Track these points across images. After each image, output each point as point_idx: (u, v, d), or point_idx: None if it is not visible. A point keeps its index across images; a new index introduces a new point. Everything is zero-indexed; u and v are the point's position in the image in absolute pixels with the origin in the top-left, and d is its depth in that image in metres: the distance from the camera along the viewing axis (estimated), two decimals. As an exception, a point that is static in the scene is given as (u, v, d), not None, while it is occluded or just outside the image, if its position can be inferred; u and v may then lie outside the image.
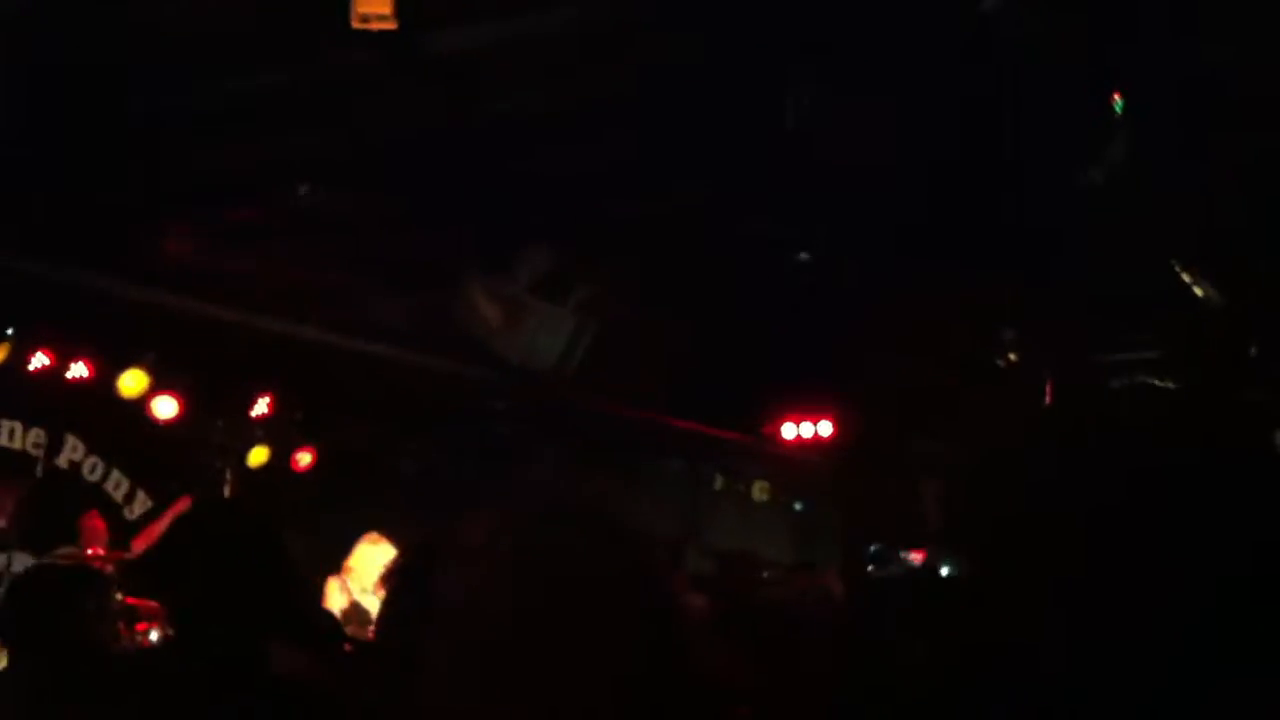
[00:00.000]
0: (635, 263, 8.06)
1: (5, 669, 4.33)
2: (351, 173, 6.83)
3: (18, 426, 10.02)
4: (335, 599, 7.40)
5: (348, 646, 5.57)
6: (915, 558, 8.10)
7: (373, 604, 7.48)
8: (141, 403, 9.53)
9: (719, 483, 10.95)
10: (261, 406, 10.20)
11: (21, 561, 7.92)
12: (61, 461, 10.28)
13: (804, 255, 7.48)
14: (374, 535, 7.71)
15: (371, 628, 7.17)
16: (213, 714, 2.73)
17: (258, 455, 10.43)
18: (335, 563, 7.69)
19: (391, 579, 3.40)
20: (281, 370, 9.78)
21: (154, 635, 7.53)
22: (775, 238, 7.51)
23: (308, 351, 9.17)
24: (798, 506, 11.41)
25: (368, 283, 8.34)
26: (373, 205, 7.25)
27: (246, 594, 2.84)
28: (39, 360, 9.02)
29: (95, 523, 9.13)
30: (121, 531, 9.38)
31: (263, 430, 10.38)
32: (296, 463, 10.64)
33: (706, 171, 6.88)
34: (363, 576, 7.60)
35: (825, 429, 10.45)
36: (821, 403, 10.41)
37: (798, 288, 8.00)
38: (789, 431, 10.42)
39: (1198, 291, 7.99)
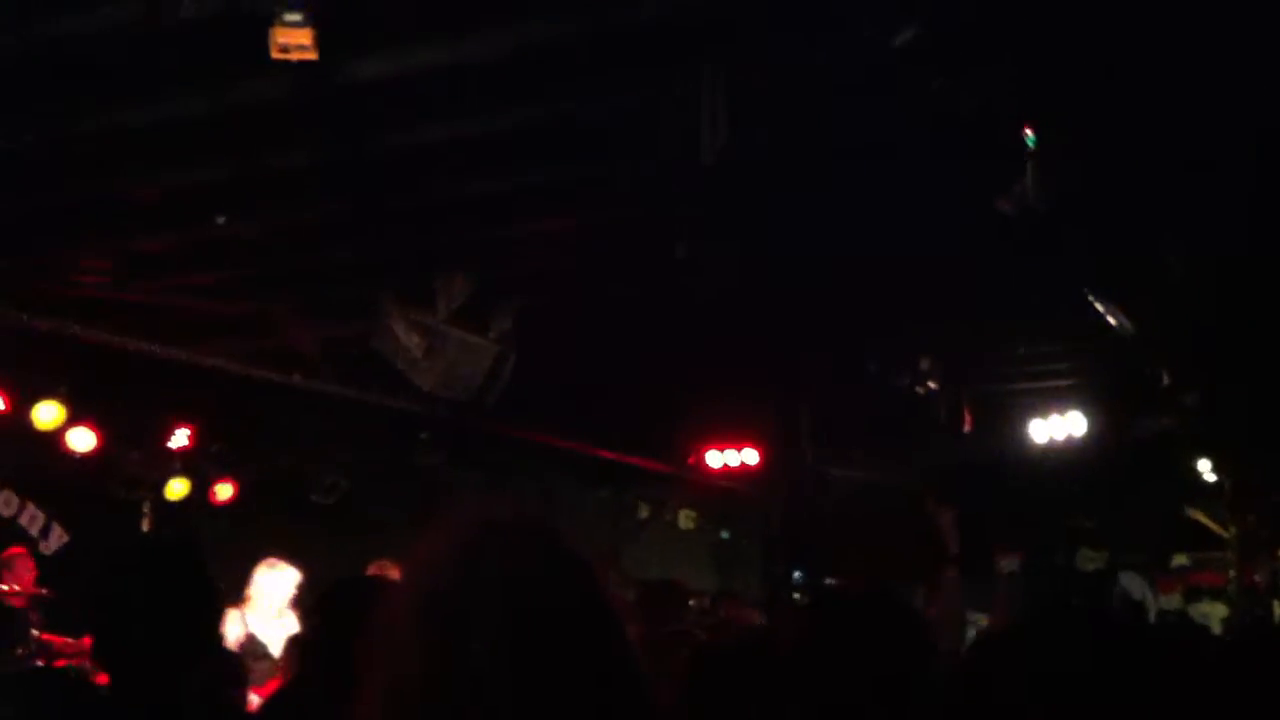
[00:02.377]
0: (555, 290, 8.07)
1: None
2: (267, 202, 6.78)
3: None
4: (232, 630, 7.20)
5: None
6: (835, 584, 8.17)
7: (270, 632, 7.37)
8: (57, 435, 9.36)
9: (644, 511, 10.95)
10: (180, 438, 10.06)
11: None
12: (-29, 497, 10.08)
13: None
14: (272, 559, 7.59)
15: (271, 659, 7.11)
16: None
17: (177, 488, 10.29)
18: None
19: (320, 608, 3.38)
20: (200, 402, 9.67)
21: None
22: (694, 261, 7.54)
23: (226, 382, 9.07)
24: (724, 535, 11.44)
25: (285, 312, 8.26)
26: (289, 234, 7.20)
27: (170, 628, 2.81)
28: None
29: (20, 559, 8.91)
30: (40, 567, 9.16)
31: (181, 463, 10.25)
32: (216, 495, 10.51)
33: (627, 196, 6.91)
34: (260, 604, 7.49)
35: (751, 457, 10.50)
36: (747, 431, 10.48)
37: (722, 313, 8.05)
38: (715, 460, 10.47)
39: (1111, 321, 8.15)
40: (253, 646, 7.20)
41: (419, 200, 6.74)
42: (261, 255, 7.44)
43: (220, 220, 6.80)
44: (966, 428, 9.67)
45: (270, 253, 7.37)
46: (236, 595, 7.49)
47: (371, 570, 7.36)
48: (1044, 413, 10.47)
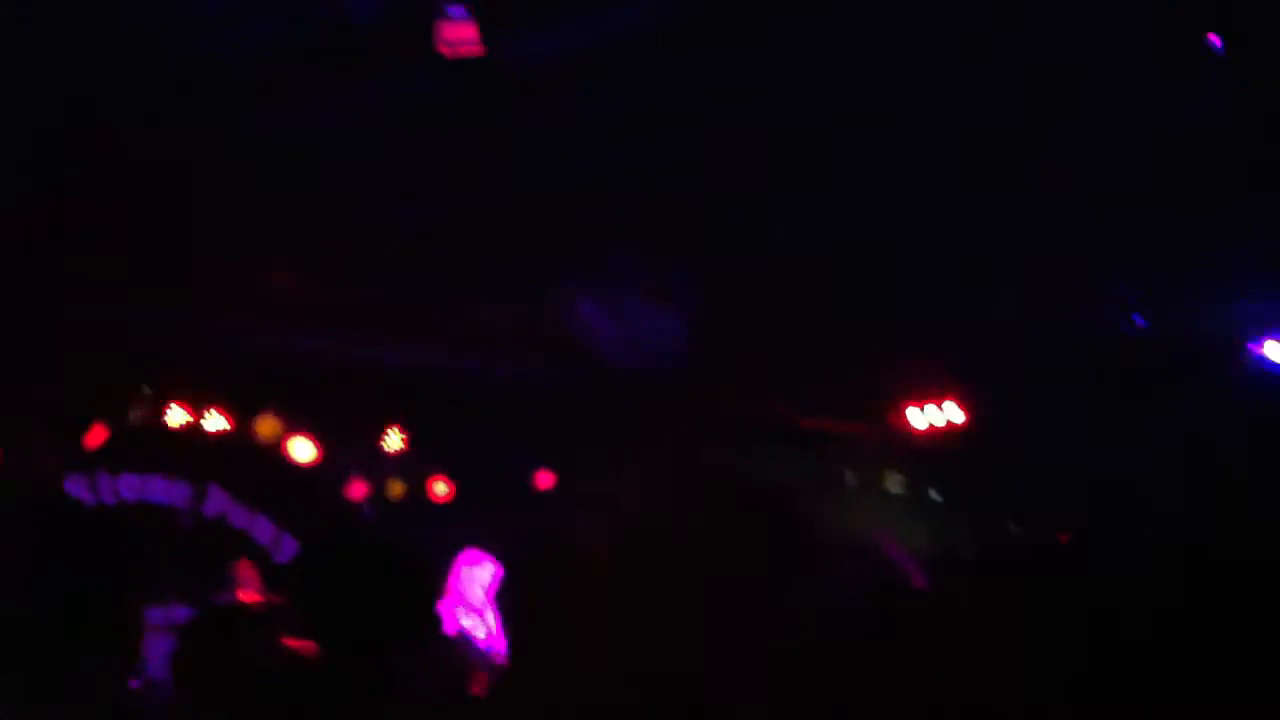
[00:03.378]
0: (743, 260, 8.04)
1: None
2: (446, 192, 6.97)
3: (163, 481, 10.41)
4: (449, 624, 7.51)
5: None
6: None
7: (471, 623, 7.62)
8: (278, 447, 9.84)
9: (851, 479, 10.77)
10: (394, 439, 10.42)
11: (181, 612, 8.17)
12: (208, 511, 10.65)
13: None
14: (473, 556, 7.81)
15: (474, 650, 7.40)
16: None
17: (395, 488, 10.68)
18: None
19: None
20: (409, 400, 9.99)
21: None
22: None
23: (432, 378, 9.36)
24: (934, 496, 11.16)
25: (475, 300, 8.45)
26: (470, 222, 7.37)
27: (397, 628, 2.93)
28: (178, 415, 9.36)
29: (247, 569, 9.38)
30: (273, 576, 9.61)
31: (397, 463, 10.62)
32: (434, 492, 10.85)
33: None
34: (466, 597, 7.70)
35: (955, 414, 10.23)
36: (947, 386, 10.20)
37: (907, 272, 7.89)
38: (917, 419, 10.23)
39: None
40: (459, 641, 7.48)
41: (586, 176, 6.81)
42: (449, 247, 7.62)
43: (400, 214, 7.03)
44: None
45: (457, 243, 7.55)
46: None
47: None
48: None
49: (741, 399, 9.52)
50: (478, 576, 7.77)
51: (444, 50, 5.57)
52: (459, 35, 5.62)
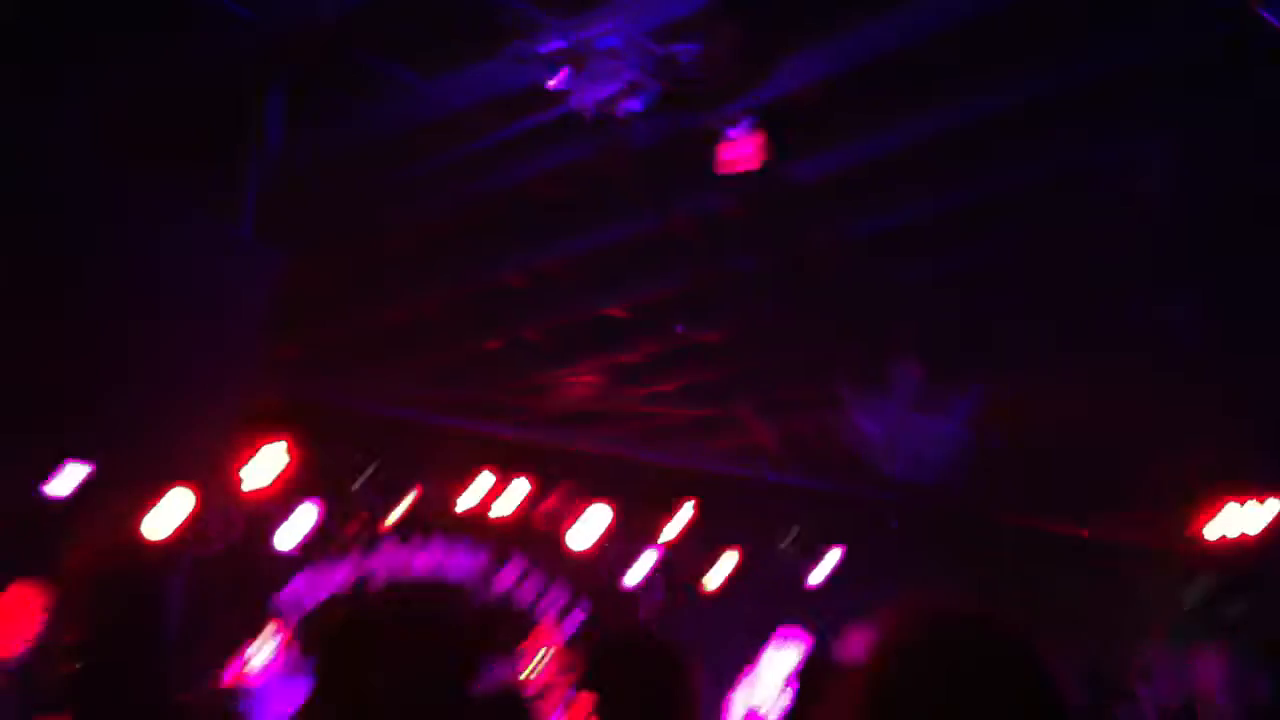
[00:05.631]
0: (1018, 365, 7.88)
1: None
2: (721, 308, 7.13)
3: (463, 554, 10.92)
4: (737, 709, 7.79)
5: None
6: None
7: (773, 703, 7.79)
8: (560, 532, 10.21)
9: (1191, 598, 10.21)
10: (671, 532, 10.64)
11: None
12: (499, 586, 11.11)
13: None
14: (780, 638, 8.04)
15: None
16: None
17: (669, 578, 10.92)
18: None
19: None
20: (684, 497, 10.21)
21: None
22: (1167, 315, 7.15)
23: (707, 480, 9.56)
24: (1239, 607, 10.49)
25: (749, 411, 8.60)
26: (748, 337, 7.51)
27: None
28: (471, 498, 9.82)
29: (542, 642, 9.74)
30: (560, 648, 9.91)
31: (671, 553, 10.83)
32: (704, 586, 11.02)
33: (1083, 263, 6.69)
34: (763, 678, 7.91)
35: (1255, 523, 9.59)
36: (1254, 490, 9.60)
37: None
38: (1212, 531, 9.65)
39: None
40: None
41: (863, 290, 6.83)
42: (721, 359, 7.80)
43: (679, 329, 7.24)
44: None
45: (729, 356, 7.72)
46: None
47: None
48: None
49: (1026, 512, 9.27)
50: (780, 660, 7.97)
51: (724, 169, 5.71)
52: (738, 154, 5.75)
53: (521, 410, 8.52)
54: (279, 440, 8.30)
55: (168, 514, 7.91)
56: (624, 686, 3.08)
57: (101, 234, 5.42)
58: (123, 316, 5.47)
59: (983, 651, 1.69)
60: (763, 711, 7.86)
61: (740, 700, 7.88)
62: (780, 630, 8.16)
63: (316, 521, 8.92)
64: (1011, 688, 1.64)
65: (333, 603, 9.15)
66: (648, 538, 10.67)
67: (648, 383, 8.17)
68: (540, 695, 8.85)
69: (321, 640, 2.44)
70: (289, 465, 8.31)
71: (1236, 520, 9.56)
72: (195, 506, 7.98)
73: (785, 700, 7.76)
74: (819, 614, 10.15)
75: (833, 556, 10.78)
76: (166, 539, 7.92)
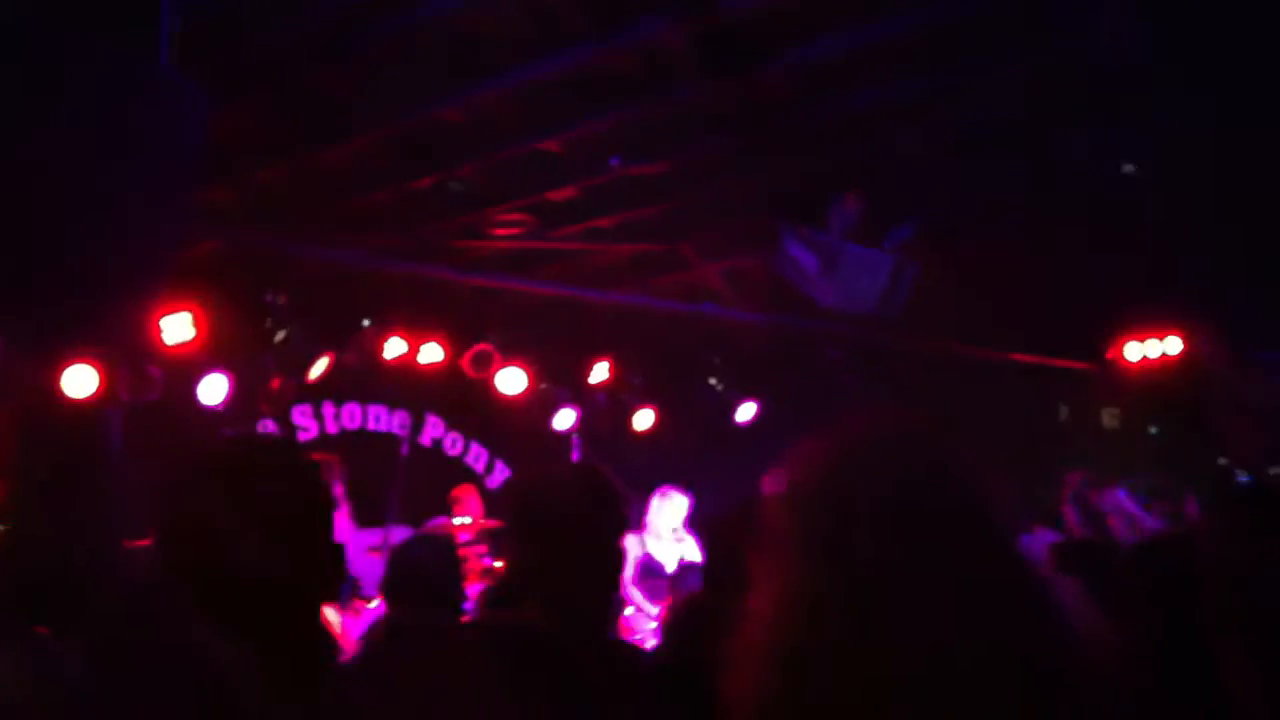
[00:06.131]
0: (947, 197, 7.90)
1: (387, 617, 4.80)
2: (661, 142, 6.98)
3: (383, 411, 10.86)
4: (631, 551, 8.06)
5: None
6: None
7: (665, 553, 8.17)
8: (489, 379, 10.12)
9: (1063, 413, 10.55)
10: (601, 373, 10.60)
11: (399, 534, 8.57)
12: (425, 439, 11.07)
13: (1128, 167, 7.13)
14: (665, 489, 8.36)
15: (664, 578, 7.92)
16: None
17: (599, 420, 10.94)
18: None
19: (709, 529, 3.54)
20: (617, 337, 10.16)
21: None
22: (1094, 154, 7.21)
23: (640, 318, 9.51)
24: (1151, 430, 10.85)
25: (690, 248, 8.53)
26: (685, 173, 7.39)
27: (586, 551, 3.02)
28: (396, 348, 9.68)
29: (469, 494, 9.75)
30: (486, 500, 9.96)
31: (603, 395, 10.82)
32: (634, 424, 11.04)
33: (1010, 96, 6.66)
34: (654, 529, 8.22)
35: (1173, 346, 9.88)
36: (1166, 319, 9.86)
37: (1125, 201, 7.63)
38: (1133, 353, 9.93)
39: None
40: (650, 566, 8.02)
41: (803, 125, 6.73)
42: (661, 195, 7.69)
43: (615, 163, 7.09)
44: None
45: (669, 192, 7.61)
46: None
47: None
48: None
49: (955, 339, 9.38)
50: (670, 510, 8.20)
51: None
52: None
53: (456, 253, 8.33)
54: (204, 292, 8.07)
55: (87, 372, 7.69)
56: (544, 521, 3.05)
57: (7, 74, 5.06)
58: (41, 161, 5.13)
59: (925, 461, 1.65)
60: (659, 559, 8.07)
61: (632, 543, 8.08)
62: (661, 488, 8.36)
63: (236, 378, 8.72)
64: (952, 497, 1.61)
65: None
66: (575, 382, 10.63)
67: (584, 221, 8.03)
68: (471, 543, 8.94)
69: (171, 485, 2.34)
70: (211, 318, 8.10)
71: (1158, 346, 9.84)
72: (113, 363, 7.76)
73: (677, 550, 8.04)
74: (748, 453, 10.29)
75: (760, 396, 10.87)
76: (88, 397, 7.71)
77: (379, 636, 4.62)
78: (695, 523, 8.20)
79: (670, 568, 8.05)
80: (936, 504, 1.61)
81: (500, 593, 3.28)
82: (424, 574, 4.67)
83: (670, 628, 3.78)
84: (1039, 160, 7.26)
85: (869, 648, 1.52)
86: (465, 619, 4.97)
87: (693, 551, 7.92)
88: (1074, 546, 5.25)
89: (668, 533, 8.14)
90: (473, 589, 8.39)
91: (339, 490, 9.42)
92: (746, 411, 11.03)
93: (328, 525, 2.38)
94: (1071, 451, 10.10)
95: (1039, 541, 6.41)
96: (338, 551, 2.39)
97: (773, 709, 1.56)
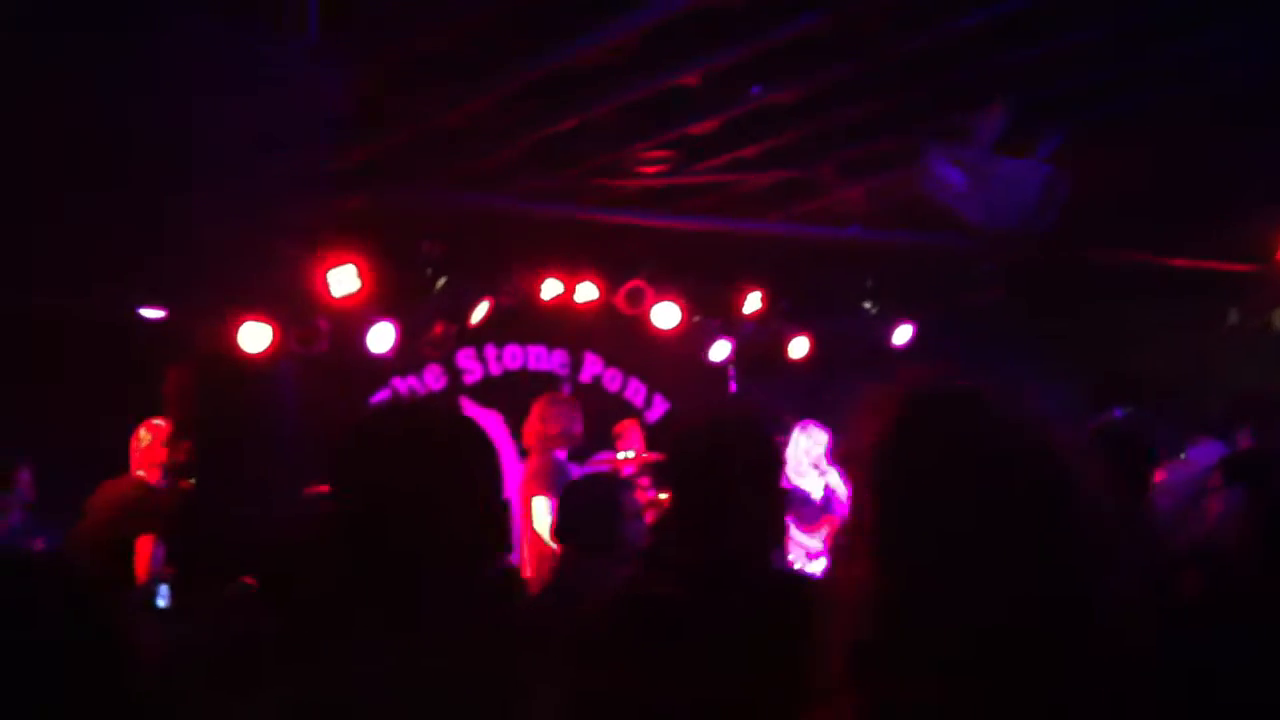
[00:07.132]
0: (1101, 104, 7.70)
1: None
2: (793, 68, 6.96)
3: (543, 350, 11.14)
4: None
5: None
6: None
7: (807, 482, 8.19)
8: (643, 315, 10.30)
9: (1233, 317, 10.21)
10: (754, 302, 10.69)
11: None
12: (584, 376, 11.33)
13: None
14: (804, 422, 8.31)
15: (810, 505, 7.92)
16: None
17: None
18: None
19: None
20: (766, 267, 10.21)
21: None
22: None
23: (788, 246, 9.54)
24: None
25: (830, 172, 8.50)
26: (820, 97, 7.36)
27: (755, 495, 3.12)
28: (552, 288, 9.90)
29: (631, 429, 9.98)
30: (647, 434, 10.15)
31: (756, 325, 10.91)
32: (790, 353, 11.12)
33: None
34: (796, 461, 8.16)
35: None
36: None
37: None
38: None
39: None
40: (797, 495, 7.99)
41: (939, 37, 6.63)
42: (799, 121, 7.67)
43: (756, 91, 7.10)
44: None
45: (810, 117, 7.59)
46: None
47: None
48: None
49: (1116, 250, 9.16)
50: (807, 443, 8.19)
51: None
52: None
53: (602, 191, 8.47)
54: (365, 245, 8.39)
55: (260, 329, 8.10)
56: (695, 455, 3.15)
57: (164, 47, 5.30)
58: (186, 129, 5.34)
59: (978, 417, 1.68)
60: (804, 489, 8.10)
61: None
62: (801, 421, 8.33)
63: (402, 327, 9.05)
64: (1002, 451, 1.63)
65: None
66: (728, 313, 10.73)
67: (726, 151, 8.07)
68: (636, 475, 9.14)
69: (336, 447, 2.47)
70: (367, 273, 8.41)
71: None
72: (284, 318, 8.14)
73: (820, 480, 8.07)
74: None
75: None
76: (262, 352, 8.13)
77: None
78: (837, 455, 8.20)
79: (816, 496, 8.09)
80: (1001, 454, 1.64)
81: (668, 529, 3.38)
82: (595, 514, 4.67)
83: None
84: (1193, 53, 7.03)
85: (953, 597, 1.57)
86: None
87: (836, 481, 7.94)
88: (1242, 457, 5.15)
89: (809, 466, 8.17)
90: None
91: (505, 441, 9.75)
92: (903, 334, 10.99)
93: (498, 483, 2.49)
94: (1241, 356, 9.80)
95: (1206, 454, 6.27)
96: (507, 508, 2.52)
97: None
